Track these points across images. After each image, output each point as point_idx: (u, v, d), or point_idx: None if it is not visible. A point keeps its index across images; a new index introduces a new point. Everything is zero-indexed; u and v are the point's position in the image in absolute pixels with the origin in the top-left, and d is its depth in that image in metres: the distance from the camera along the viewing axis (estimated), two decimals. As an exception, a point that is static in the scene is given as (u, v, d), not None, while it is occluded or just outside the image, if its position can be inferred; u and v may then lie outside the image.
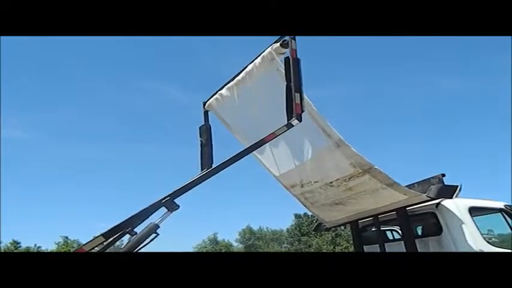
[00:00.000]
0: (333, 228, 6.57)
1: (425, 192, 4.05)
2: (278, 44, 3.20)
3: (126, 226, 2.63)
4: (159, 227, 2.67)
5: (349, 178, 3.96)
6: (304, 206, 4.99)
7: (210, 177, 2.92)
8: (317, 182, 4.31)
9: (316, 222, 5.95)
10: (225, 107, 4.07)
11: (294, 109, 2.98)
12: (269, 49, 3.33)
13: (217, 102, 4.08)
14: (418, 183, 4.45)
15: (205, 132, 4.11)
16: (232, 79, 3.83)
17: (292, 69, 3.03)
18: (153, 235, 2.67)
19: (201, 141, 4.07)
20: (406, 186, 4.18)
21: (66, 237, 29.53)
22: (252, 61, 3.56)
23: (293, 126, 2.98)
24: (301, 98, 2.99)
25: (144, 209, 2.68)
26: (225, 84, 3.94)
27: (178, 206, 2.76)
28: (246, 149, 3.04)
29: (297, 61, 3.05)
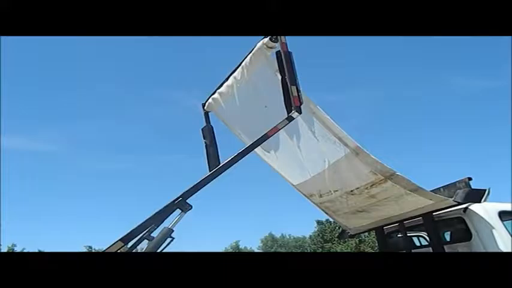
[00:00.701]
0: (357, 235, 6.40)
1: (451, 197, 3.91)
2: (267, 39, 3.19)
3: (141, 230, 2.61)
4: (173, 231, 2.66)
5: (371, 186, 3.83)
6: (326, 214, 4.88)
7: (218, 175, 2.91)
8: (336, 191, 4.21)
9: (339, 228, 5.80)
10: (224, 106, 4.06)
11: (292, 102, 2.96)
12: (259, 44, 3.31)
13: (216, 102, 4.05)
14: (444, 187, 4.28)
15: (208, 133, 4.10)
16: (228, 77, 3.81)
17: (285, 62, 3.02)
18: (169, 239, 2.66)
19: (205, 142, 4.04)
20: (432, 191, 4.05)
21: (90, 247, 29.17)
22: (245, 58, 3.54)
23: (294, 118, 2.97)
24: (298, 90, 2.98)
25: (158, 212, 2.68)
26: (222, 84, 3.92)
27: (191, 207, 2.75)
28: (250, 145, 3.02)
29: (288, 54, 3.03)
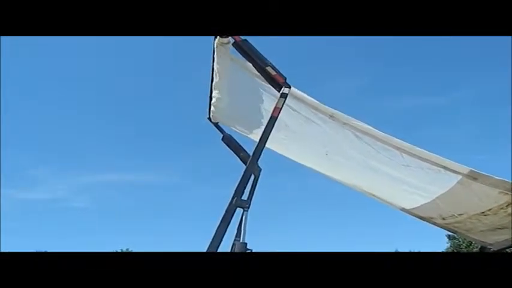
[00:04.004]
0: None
1: None
2: (217, 38, 3.18)
3: (217, 244, 2.59)
4: (246, 244, 2.69)
5: (507, 206, 3.39)
6: (455, 233, 4.59)
7: (254, 166, 2.96)
8: (462, 214, 3.84)
9: (475, 243, 5.28)
10: (223, 111, 4.08)
11: (276, 81, 2.99)
12: (215, 45, 3.28)
13: (217, 110, 4.08)
14: None
15: (230, 141, 4.11)
16: (211, 86, 3.82)
17: (247, 49, 3.02)
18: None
19: (233, 151, 4.05)
20: None
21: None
22: (213, 64, 3.55)
23: (287, 94, 2.98)
24: (274, 68, 2.99)
25: (222, 219, 2.65)
26: (211, 92, 3.93)
27: (248, 202, 2.79)
28: (264, 130, 3.01)
29: (244, 42, 3.02)
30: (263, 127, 3.04)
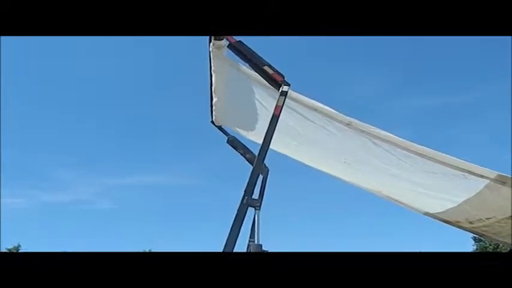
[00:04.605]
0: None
1: None
2: (211, 43, 3.20)
3: (232, 245, 2.59)
4: (261, 245, 2.69)
5: None
6: (483, 236, 4.51)
7: (260, 166, 2.93)
8: (490, 218, 3.78)
9: (503, 245, 5.29)
10: (224, 114, 4.10)
11: (274, 80, 2.99)
12: (210, 49, 3.30)
13: (218, 114, 4.09)
14: None
15: (235, 143, 4.12)
16: (211, 89, 3.83)
17: (243, 50, 3.03)
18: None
19: (239, 153, 4.05)
20: None
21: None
22: (210, 68, 3.56)
23: (286, 92, 2.96)
24: (271, 67, 2.99)
25: (234, 219, 2.65)
26: (211, 96, 3.95)
27: (259, 201, 2.80)
28: (267, 129, 2.98)
29: (239, 43, 3.03)
30: (265, 127, 3.03)
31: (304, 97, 3.33)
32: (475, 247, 32.28)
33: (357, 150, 3.65)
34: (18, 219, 32.07)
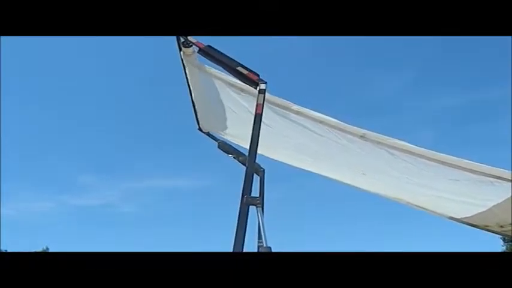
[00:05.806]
0: None
1: None
2: (182, 51, 3.21)
3: (240, 245, 2.58)
4: (270, 248, 2.61)
5: None
6: None
7: (254, 166, 2.90)
8: None
9: None
10: (208, 120, 4.10)
11: (250, 79, 2.98)
12: (182, 57, 3.30)
13: (203, 121, 4.09)
14: None
15: (225, 147, 4.13)
16: (191, 97, 3.85)
17: (213, 54, 3.04)
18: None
19: (232, 157, 4.06)
20: None
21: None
22: (186, 77, 3.57)
23: (264, 89, 2.93)
24: (245, 67, 2.98)
25: (238, 220, 2.65)
26: (193, 104, 3.96)
27: (259, 199, 2.79)
28: (253, 129, 2.93)
29: (209, 47, 3.04)
30: (250, 129, 2.97)
31: (313, 112, 3.25)
32: (504, 247, 29.97)
33: (374, 163, 3.58)
34: (47, 223, 32.91)
